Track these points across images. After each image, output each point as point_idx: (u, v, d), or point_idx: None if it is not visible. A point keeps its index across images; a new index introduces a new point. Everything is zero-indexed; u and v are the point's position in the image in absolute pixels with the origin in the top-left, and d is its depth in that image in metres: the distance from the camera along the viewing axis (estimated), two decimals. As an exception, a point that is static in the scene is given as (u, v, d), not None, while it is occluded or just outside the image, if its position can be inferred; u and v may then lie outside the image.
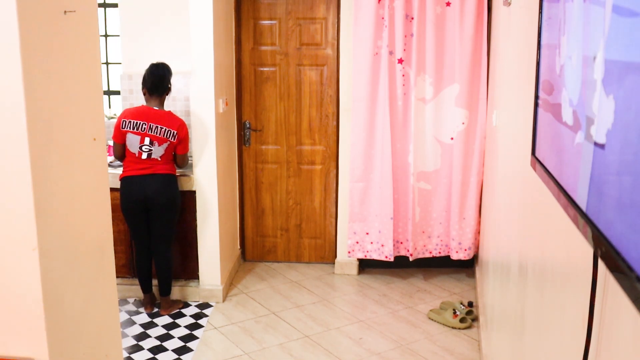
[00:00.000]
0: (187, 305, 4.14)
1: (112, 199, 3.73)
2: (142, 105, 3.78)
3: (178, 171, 4.01)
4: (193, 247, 4.14)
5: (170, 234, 3.90)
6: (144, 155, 3.69)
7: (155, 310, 4.04)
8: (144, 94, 3.78)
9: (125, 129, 3.70)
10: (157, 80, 3.72)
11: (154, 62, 3.82)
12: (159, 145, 3.69)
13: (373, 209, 4.41)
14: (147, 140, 3.67)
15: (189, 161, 4.11)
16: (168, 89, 3.79)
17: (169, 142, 3.70)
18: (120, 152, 3.78)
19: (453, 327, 3.83)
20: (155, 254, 3.89)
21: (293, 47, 4.56)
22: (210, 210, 4.05)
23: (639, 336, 0.90)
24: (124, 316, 3.96)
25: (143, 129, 3.67)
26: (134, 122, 3.69)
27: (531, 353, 1.88)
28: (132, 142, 3.70)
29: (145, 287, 4.00)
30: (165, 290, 3.95)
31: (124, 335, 3.70)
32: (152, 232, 3.84)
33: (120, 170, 3.92)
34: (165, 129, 3.68)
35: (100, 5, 4.65)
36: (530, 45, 2.09)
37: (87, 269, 1.84)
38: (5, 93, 1.46)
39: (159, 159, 3.72)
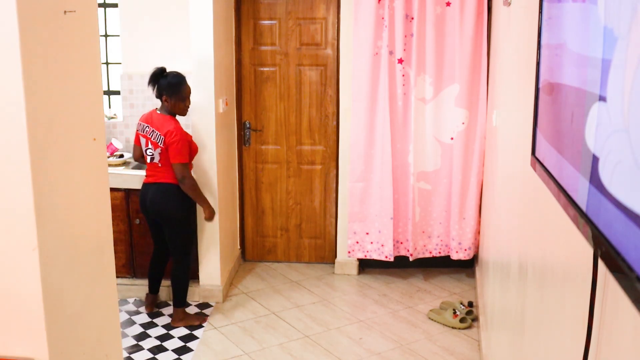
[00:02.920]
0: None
1: (112, 199, 3.74)
2: (154, 108, 3.73)
3: None
4: (193, 247, 4.13)
5: (176, 247, 3.74)
6: (149, 159, 3.67)
7: (156, 310, 4.04)
8: None
9: (138, 131, 3.71)
10: (153, 86, 3.64)
11: (160, 66, 3.69)
12: (154, 150, 3.63)
13: (373, 209, 4.41)
14: (149, 144, 3.64)
15: (190, 181, 3.63)
16: (166, 95, 3.59)
17: (160, 148, 3.59)
18: (136, 153, 3.81)
19: (453, 327, 3.83)
20: (172, 262, 3.85)
21: (293, 47, 4.56)
22: (210, 210, 4.05)
23: (639, 336, 0.90)
24: (124, 316, 3.96)
25: (145, 132, 3.65)
26: (142, 125, 3.68)
27: (531, 353, 1.88)
28: (142, 145, 3.70)
29: (151, 288, 4.00)
30: (174, 301, 3.84)
31: (124, 335, 3.70)
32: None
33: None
34: (157, 134, 3.59)
35: (100, 5, 4.65)
36: (530, 45, 2.09)
37: (87, 269, 1.84)
38: (5, 93, 1.46)
39: (159, 165, 3.64)
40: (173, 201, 3.66)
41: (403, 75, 4.25)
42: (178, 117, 3.72)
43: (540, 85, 1.67)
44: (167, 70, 3.67)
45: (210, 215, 3.87)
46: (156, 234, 3.86)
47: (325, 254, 4.84)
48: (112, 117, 4.70)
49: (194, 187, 3.67)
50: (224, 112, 4.20)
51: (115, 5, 4.61)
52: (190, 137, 3.69)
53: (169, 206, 3.66)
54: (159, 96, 3.65)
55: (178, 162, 3.56)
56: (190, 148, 3.64)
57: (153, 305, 4.04)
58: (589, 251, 1.13)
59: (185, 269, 3.79)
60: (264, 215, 4.82)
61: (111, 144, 4.35)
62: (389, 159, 4.28)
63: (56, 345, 1.63)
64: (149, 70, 3.67)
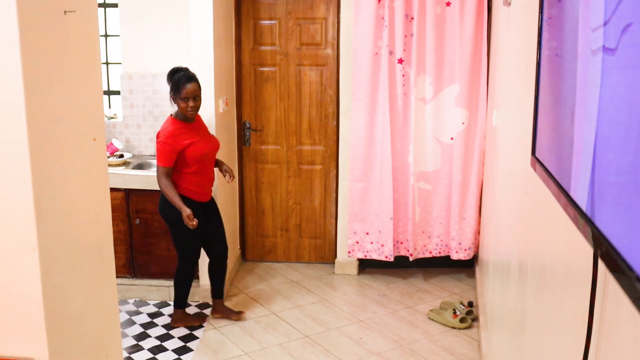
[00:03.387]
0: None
1: (112, 199, 3.74)
2: None
3: None
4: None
5: (177, 249, 3.71)
6: None
7: (219, 316, 3.95)
8: None
9: None
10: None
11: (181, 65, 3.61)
12: None
13: (373, 209, 4.41)
14: None
15: (161, 185, 3.50)
16: (171, 94, 3.54)
17: None
18: None
19: (453, 327, 3.83)
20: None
21: (293, 47, 4.56)
22: (210, 210, 4.04)
23: (639, 336, 0.90)
24: (124, 316, 3.96)
25: None
26: None
27: (531, 353, 1.88)
28: None
29: (212, 292, 3.97)
30: (174, 302, 3.83)
31: (124, 335, 3.70)
32: None
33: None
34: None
35: (100, 5, 4.65)
36: (530, 45, 2.09)
37: (87, 269, 1.84)
38: (6, 93, 1.46)
39: None
40: (169, 205, 3.53)
41: (403, 75, 4.25)
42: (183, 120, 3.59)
43: (540, 85, 1.67)
44: (188, 71, 3.55)
45: (185, 217, 3.45)
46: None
47: (325, 254, 4.84)
48: (112, 117, 4.70)
49: (165, 190, 3.47)
50: (224, 112, 4.20)
51: (115, 5, 4.61)
52: (189, 141, 3.50)
53: (165, 210, 3.59)
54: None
55: (158, 165, 3.49)
56: (176, 153, 3.46)
57: (216, 311, 3.94)
58: (589, 251, 1.13)
59: (185, 272, 3.74)
60: (264, 215, 4.82)
61: (111, 144, 4.36)
62: (389, 159, 4.28)
63: (56, 345, 1.63)
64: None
